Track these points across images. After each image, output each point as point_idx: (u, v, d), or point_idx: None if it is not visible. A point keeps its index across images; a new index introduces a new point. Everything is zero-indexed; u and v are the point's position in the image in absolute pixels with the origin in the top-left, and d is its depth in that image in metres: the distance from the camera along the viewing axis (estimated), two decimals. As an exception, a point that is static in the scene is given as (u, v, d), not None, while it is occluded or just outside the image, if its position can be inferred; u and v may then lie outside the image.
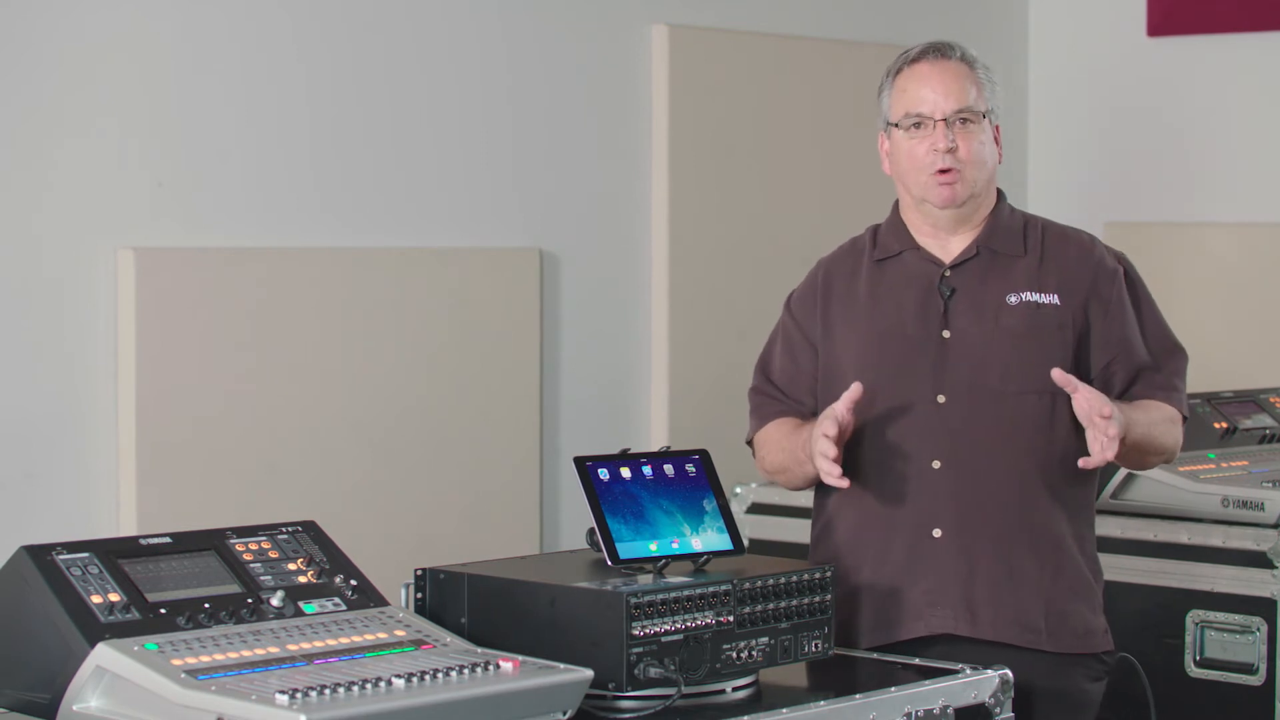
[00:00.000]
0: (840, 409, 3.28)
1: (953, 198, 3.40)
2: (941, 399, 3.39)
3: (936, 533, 3.39)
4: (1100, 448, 3.24)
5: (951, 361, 3.40)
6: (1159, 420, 3.43)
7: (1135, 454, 3.44)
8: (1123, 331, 3.45)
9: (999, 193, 3.51)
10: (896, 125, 3.44)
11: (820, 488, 3.53)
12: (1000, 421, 3.38)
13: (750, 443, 3.62)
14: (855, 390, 3.29)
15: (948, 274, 3.45)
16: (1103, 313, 3.44)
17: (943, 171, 3.39)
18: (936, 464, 3.38)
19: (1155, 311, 3.52)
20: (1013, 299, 3.42)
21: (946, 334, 3.42)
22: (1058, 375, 3.28)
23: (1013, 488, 3.39)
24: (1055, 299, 3.42)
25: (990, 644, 3.33)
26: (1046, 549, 3.40)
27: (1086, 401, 3.25)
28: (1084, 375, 3.39)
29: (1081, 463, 3.29)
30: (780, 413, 3.54)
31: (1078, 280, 3.44)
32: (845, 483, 3.28)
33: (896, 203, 3.54)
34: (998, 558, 3.38)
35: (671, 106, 5.12)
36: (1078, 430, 3.38)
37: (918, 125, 3.41)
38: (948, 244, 3.47)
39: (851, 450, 3.36)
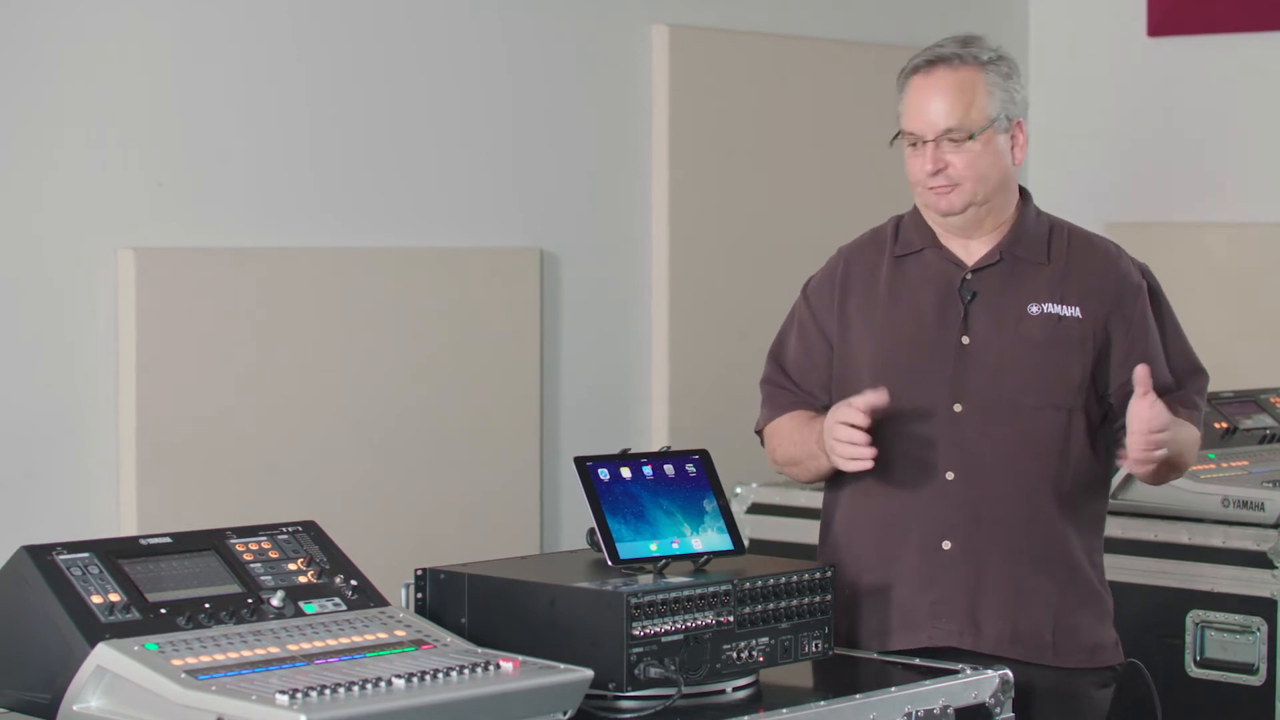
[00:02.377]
0: (860, 404, 3.24)
1: (948, 207, 3.36)
2: (958, 408, 3.36)
3: (946, 545, 3.36)
4: (1135, 460, 3.22)
5: (969, 369, 3.37)
6: (1186, 441, 3.40)
7: (1162, 471, 3.40)
8: (1144, 349, 3.40)
9: (1025, 195, 3.46)
10: (904, 136, 3.41)
11: (829, 489, 3.52)
12: (1016, 435, 3.35)
13: (759, 433, 3.59)
14: (881, 398, 3.25)
15: (969, 277, 3.41)
16: (1125, 329, 3.40)
17: (935, 187, 3.36)
18: (950, 475, 3.36)
19: (1178, 329, 3.48)
20: (1034, 309, 3.38)
21: (966, 340, 3.38)
22: (1140, 373, 3.21)
23: (1025, 503, 3.35)
24: (1077, 312, 3.38)
25: (992, 658, 3.30)
26: (1057, 564, 3.37)
27: (1150, 410, 3.20)
28: (1101, 390, 3.37)
29: (1120, 459, 3.26)
30: (793, 404, 3.51)
31: (1101, 293, 3.40)
32: (868, 463, 3.25)
33: None
34: (1007, 572, 3.35)
35: (671, 106, 5.12)
36: (1092, 446, 3.37)
37: (914, 143, 3.37)
38: (969, 245, 3.43)
39: None
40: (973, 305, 3.40)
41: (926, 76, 3.37)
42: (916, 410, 3.36)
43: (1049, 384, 3.35)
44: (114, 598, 2.71)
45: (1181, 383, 3.45)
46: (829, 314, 3.49)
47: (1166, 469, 3.40)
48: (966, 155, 3.34)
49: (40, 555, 2.74)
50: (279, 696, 2.48)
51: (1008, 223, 3.43)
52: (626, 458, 3.11)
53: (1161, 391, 3.39)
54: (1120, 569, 4.31)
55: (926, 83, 3.36)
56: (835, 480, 3.48)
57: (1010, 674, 3.16)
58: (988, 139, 3.35)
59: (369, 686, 2.55)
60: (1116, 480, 4.41)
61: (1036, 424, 3.35)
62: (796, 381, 3.52)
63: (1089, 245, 3.46)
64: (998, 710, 3.14)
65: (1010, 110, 3.39)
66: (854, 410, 3.24)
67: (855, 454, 3.24)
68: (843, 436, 3.24)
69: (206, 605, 2.76)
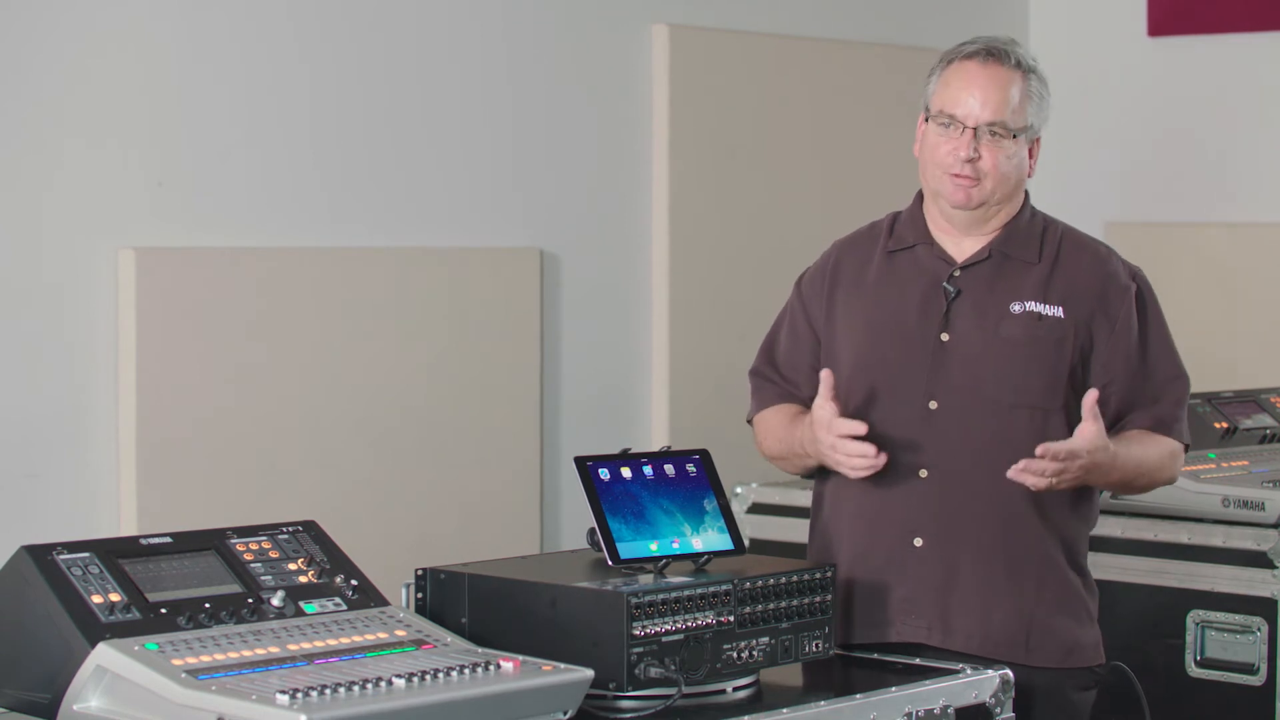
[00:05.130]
0: (826, 405, 3.28)
1: (966, 200, 3.36)
2: (933, 404, 3.35)
3: (918, 541, 3.36)
4: (1029, 476, 3.22)
5: (946, 366, 3.36)
6: (1156, 456, 3.39)
7: (1121, 489, 3.44)
8: (1126, 353, 3.40)
9: (1025, 196, 3.46)
10: (932, 117, 3.40)
11: (817, 482, 3.52)
12: (991, 434, 3.33)
13: (750, 421, 3.60)
14: (826, 380, 3.28)
15: (957, 274, 3.40)
16: (1109, 331, 3.39)
17: (961, 175, 3.35)
18: (923, 473, 3.35)
19: (1164, 335, 3.46)
20: (1016, 308, 3.37)
21: (945, 336, 3.38)
22: (1088, 401, 3.24)
23: (999, 502, 3.34)
24: (1059, 311, 3.37)
25: (963, 656, 3.29)
26: (1031, 565, 3.36)
27: (1083, 439, 3.22)
28: (1082, 390, 3.34)
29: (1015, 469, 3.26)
30: (778, 397, 3.52)
31: (1086, 293, 3.39)
32: (881, 460, 3.27)
33: (920, 193, 3.49)
34: (977, 571, 3.35)
35: (671, 106, 5.12)
36: None
37: (948, 125, 3.36)
38: (962, 243, 3.42)
39: None
40: (956, 302, 3.39)
41: (982, 65, 3.37)
42: (893, 406, 3.36)
43: (1026, 383, 3.34)
44: (114, 597, 2.71)
45: (1160, 392, 3.43)
46: (818, 305, 3.50)
47: (1128, 488, 3.45)
48: (1000, 153, 3.35)
49: (40, 555, 2.74)
50: (279, 696, 2.48)
51: (1003, 223, 3.43)
52: (626, 458, 3.11)
53: (1136, 397, 3.41)
54: (1120, 569, 4.31)
55: (981, 71, 3.36)
56: (821, 474, 3.49)
57: (1010, 674, 3.16)
58: (1021, 144, 3.37)
59: (369, 686, 2.55)
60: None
61: (1013, 423, 3.34)
62: (783, 373, 3.53)
63: (1080, 246, 3.45)
64: (998, 710, 3.13)
65: (1038, 124, 3.42)
66: (843, 424, 3.26)
67: (867, 465, 3.27)
68: (853, 451, 3.26)
69: (207, 605, 2.76)
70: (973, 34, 3.55)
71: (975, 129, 3.33)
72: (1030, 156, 3.42)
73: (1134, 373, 3.41)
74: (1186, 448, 3.47)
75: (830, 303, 3.48)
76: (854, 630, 3.37)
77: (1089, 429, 3.24)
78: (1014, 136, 3.35)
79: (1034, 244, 3.42)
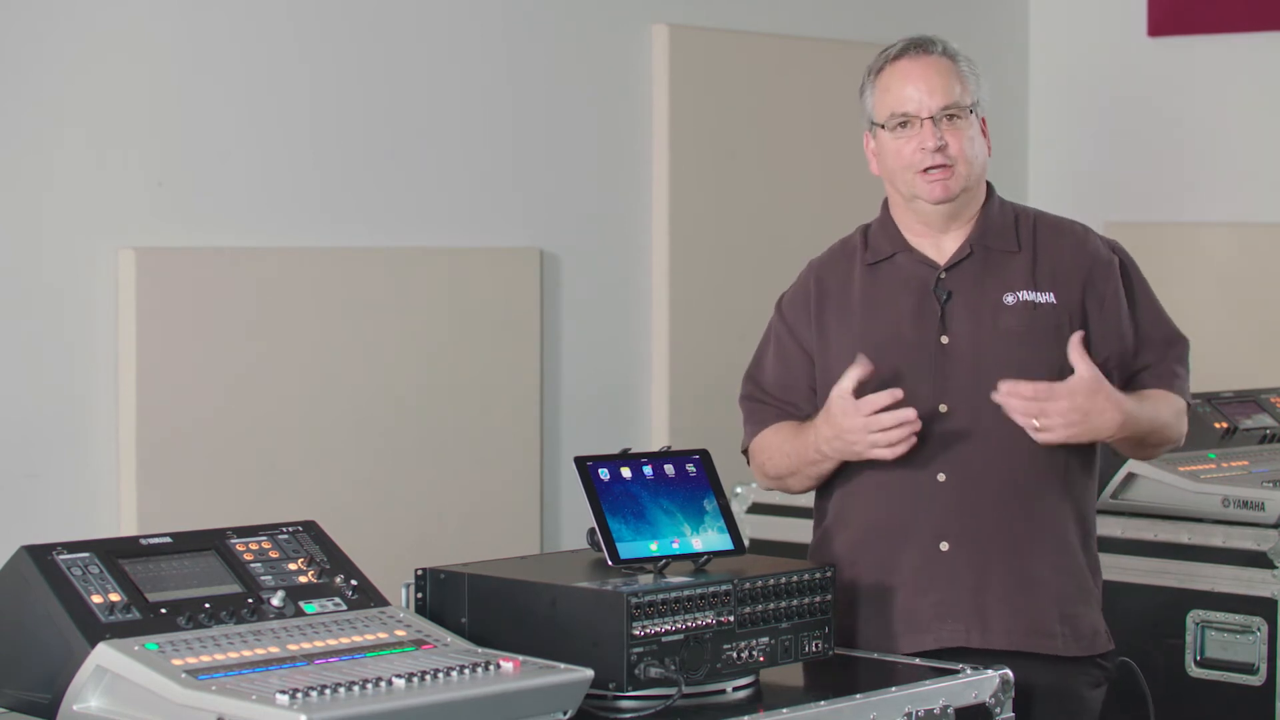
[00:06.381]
0: (851, 385, 3.25)
1: (946, 193, 3.36)
2: (943, 408, 3.35)
3: (944, 546, 3.35)
4: (1025, 421, 3.24)
5: (951, 368, 3.36)
6: (1167, 412, 3.40)
7: (1135, 446, 3.43)
8: (1119, 326, 3.41)
9: (989, 187, 3.47)
10: (882, 126, 3.40)
11: (820, 496, 3.50)
12: (1003, 429, 3.32)
13: (745, 451, 3.58)
14: (863, 366, 3.26)
15: (943, 276, 3.40)
16: (1099, 308, 3.40)
17: (933, 169, 3.35)
18: (941, 476, 3.34)
19: (1153, 300, 3.48)
20: (1009, 299, 3.38)
21: (945, 339, 3.37)
22: (1075, 344, 3.25)
23: (1019, 495, 3.35)
24: (1052, 297, 3.37)
25: (999, 653, 3.28)
26: (1056, 553, 3.37)
27: (1082, 382, 3.24)
28: None
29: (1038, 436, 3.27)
30: (776, 417, 3.49)
31: (1073, 275, 3.40)
32: (909, 444, 3.25)
33: (886, 202, 3.50)
34: (1009, 567, 3.34)
35: (671, 106, 5.12)
36: None
37: (904, 124, 3.36)
38: (940, 243, 3.43)
39: (853, 461, 3.34)
40: (949, 304, 3.39)
41: (914, 61, 3.38)
42: None
43: (1031, 374, 3.33)
44: (114, 597, 2.71)
45: (1161, 354, 3.45)
46: (806, 328, 3.48)
47: (1143, 445, 3.43)
48: (961, 136, 3.35)
49: (40, 555, 2.74)
50: (279, 696, 2.48)
51: (975, 216, 3.44)
52: (626, 458, 3.11)
53: (1138, 365, 3.42)
54: (1120, 569, 4.31)
55: (915, 65, 3.38)
56: (827, 487, 3.47)
57: (1010, 674, 3.16)
58: (974, 121, 3.39)
59: (369, 686, 2.55)
60: (1118, 479, 4.42)
61: None
62: (776, 396, 3.50)
63: (1056, 229, 3.46)
64: (998, 710, 3.13)
65: (983, 99, 3.43)
66: (872, 400, 3.23)
67: (907, 434, 3.23)
68: (889, 421, 3.23)
69: (206, 605, 2.76)
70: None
71: (933, 117, 3.34)
72: (984, 135, 3.42)
73: (1129, 345, 3.42)
74: (1190, 406, 3.48)
75: (820, 325, 3.46)
76: (893, 641, 3.35)
77: (1080, 369, 3.24)
78: (969, 114, 3.37)
79: (1010, 232, 3.43)
